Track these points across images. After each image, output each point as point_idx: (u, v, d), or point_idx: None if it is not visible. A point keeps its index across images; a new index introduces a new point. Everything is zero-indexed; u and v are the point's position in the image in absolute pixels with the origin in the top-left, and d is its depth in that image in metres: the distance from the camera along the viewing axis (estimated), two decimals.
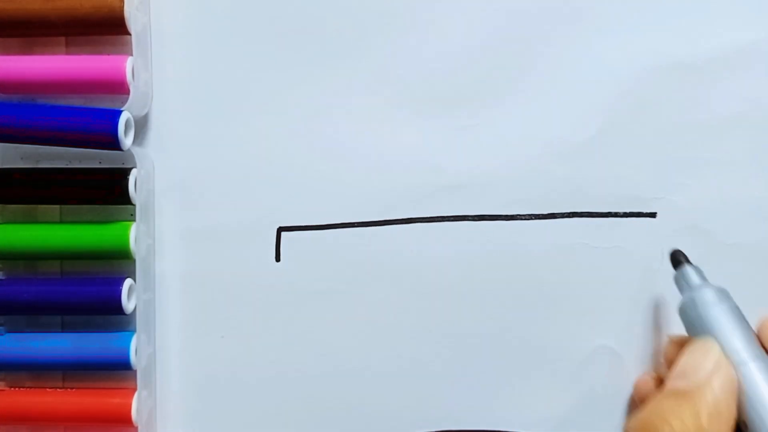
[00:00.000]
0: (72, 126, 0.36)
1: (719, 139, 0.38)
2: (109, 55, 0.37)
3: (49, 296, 0.37)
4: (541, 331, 0.39)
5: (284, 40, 0.38)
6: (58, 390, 0.38)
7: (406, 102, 0.38)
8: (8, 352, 0.38)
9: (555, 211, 0.38)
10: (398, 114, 0.38)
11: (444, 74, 0.38)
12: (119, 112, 0.36)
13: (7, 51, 0.38)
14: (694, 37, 0.38)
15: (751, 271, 0.38)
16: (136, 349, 0.38)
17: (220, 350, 0.39)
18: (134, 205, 0.37)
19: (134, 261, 0.37)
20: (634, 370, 0.39)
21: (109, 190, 0.37)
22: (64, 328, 0.39)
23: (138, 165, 0.37)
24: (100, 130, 0.36)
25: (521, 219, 0.38)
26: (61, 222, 0.38)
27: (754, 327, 0.34)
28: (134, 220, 0.37)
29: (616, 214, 0.38)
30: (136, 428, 0.38)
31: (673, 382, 0.32)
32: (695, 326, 0.34)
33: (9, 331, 0.38)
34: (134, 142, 0.37)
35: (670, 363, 0.35)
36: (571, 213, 0.38)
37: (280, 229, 0.39)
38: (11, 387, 0.39)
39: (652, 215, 0.38)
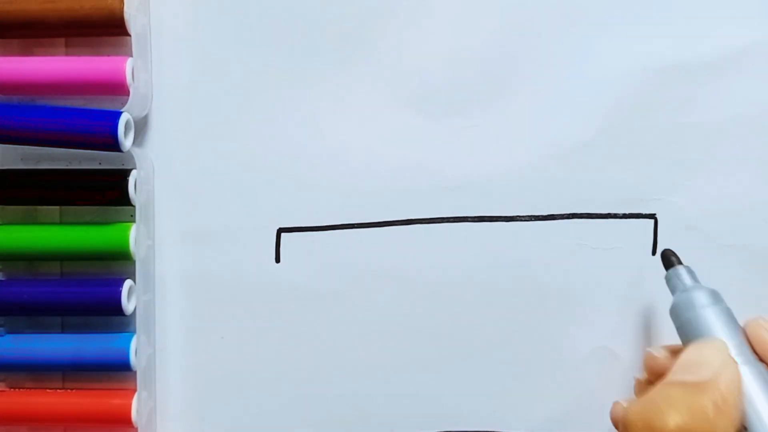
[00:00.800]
0: (72, 127, 0.36)
1: (718, 140, 0.38)
2: (108, 56, 0.37)
3: (49, 297, 0.37)
4: (541, 331, 0.39)
5: (284, 41, 0.38)
6: (58, 391, 0.39)
7: (406, 103, 0.38)
8: (8, 353, 0.38)
9: (554, 213, 0.38)
10: (398, 115, 0.38)
11: (444, 76, 0.38)
12: (119, 114, 0.36)
13: (7, 52, 0.38)
14: (694, 37, 0.38)
15: (749, 272, 0.38)
16: (136, 350, 0.38)
17: (220, 351, 0.39)
18: (134, 206, 0.37)
19: (134, 262, 0.37)
20: (632, 371, 0.39)
21: (109, 191, 0.37)
22: (64, 329, 0.39)
23: (138, 166, 0.37)
24: (100, 131, 0.36)
25: (521, 220, 0.38)
26: (61, 223, 0.38)
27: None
28: (134, 221, 0.37)
29: (615, 216, 0.38)
30: (136, 429, 0.38)
31: (679, 375, 0.32)
32: (687, 327, 0.34)
33: (9, 332, 0.38)
34: (134, 143, 0.37)
35: (652, 371, 0.35)
36: (570, 214, 0.38)
37: (280, 230, 0.39)
38: (11, 388, 0.39)
39: (651, 216, 0.38)
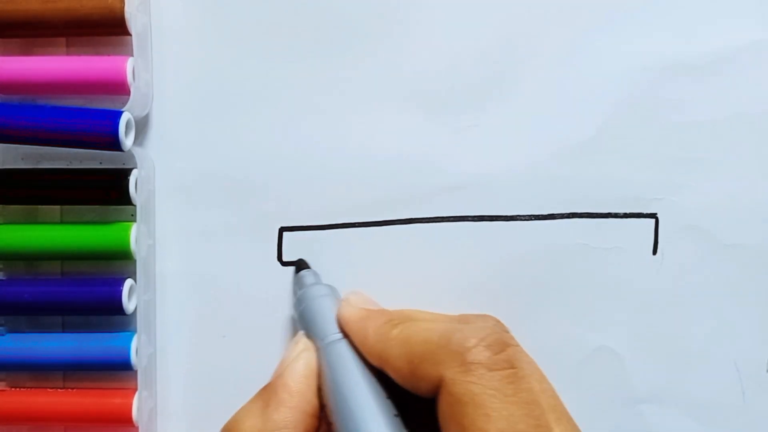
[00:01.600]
0: (72, 127, 0.36)
1: (719, 139, 0.38)
2: (109, 55, 0.37)
3: (49, 296, 0.37)
4: (541, 331, 0.39)
5: (285, 40, 0.38)
6: (58, 390, 0.38)
7: (406, 103, 0.38)
8: (9, 352, 0.38)
9: (555, 212, 0.38)
10: (399, 114, 0.38)
11: (444, 75, 0.38)
12: (120, 113, 0.36)
13: (8, 52, 0.38)
14: (694, 37, 0.38)
15: (750, 272, 0.38)
16: (137, 350, 0.38)
17: (221, 350, 0.39)
18: (135, 205, 0.37)
19: (135, 261, 0.37)
20: (633, 371, 0.39)
21: (110, 191, 0.37)
22: (65, 328, 0.39)
23: (138, 165, 0.37)
24: (101, 130, 0.36)
25: (521, 219, 0.38)
26: (62, 222, 0.38)
27: None
28: (135, 221, 0.37)
29: (616, 215, 0.38)
30: (137, 428, 0.38)
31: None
32: (302, 320, 0.36)
33: (9, 332, 0.38)
34: (135, 142, 0.37)
35: None
36: (570, 213, 0.38)
37: (282, 229, 0.39)
38: (12, 387, 0.39)
39: (652, 216, 0.38)
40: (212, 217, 0.39)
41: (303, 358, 0.33)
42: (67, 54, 0.38)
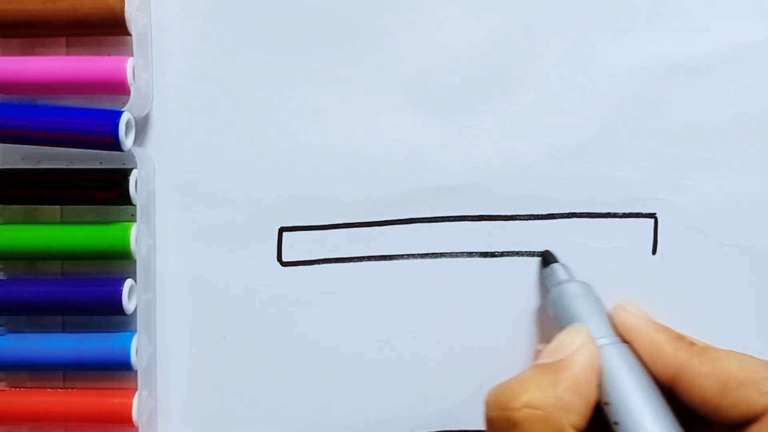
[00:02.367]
0: (73, 127, 0.36)
1: (719, 139, 0.38)
2: (109, 55, 0.37)
3: (49, 296, 0.37)
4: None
5: (285, 40, 0.38)
6: (58, 390, 0.38)
7: (407, 102, 0.38)
8: (9, 352, 0.38)
9: (554, 212, 0.38)
10: (399, 114, 0.38)
11: (444, 75, 0.38)
12: (120, 113, 0.36)
13: (8, 52, 0.38)
14: (694, 37, 0.38)
15: (749, 272, 0.38)
16: (137, 350, 0.38)
17: (222, 350, 0.39)
18: (135, 205, 0.37)
19: (135, 261, 0.37)
20: None
21: (110, 191, 0.37)
22: (65, 328, 0.39)
23: (139, 165, 0.37)
24: (101, 130, 0.36)
25: (521, 219, 0.38)
26: (62, 222, 0.38)
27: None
28: (135, 221, 0.37)
29: (615, 215, 0.38)
30: (137, 428, 0.38)
31: (540, 359, 0.33)
32: (560, 316, 0.36)
33: (10, 332, 0.38)
34: (135, 142, 0.37)
35: None
36: (570, 213, 0.38)
37: (282, 229, 0.39)
38: (12, 387, 0.39)
39: (652, 216, 0.38)
40: (212, 217, 0.39)
41: (587, 349, 0.33)
42: (67, 54, 0.38)
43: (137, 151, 0.37)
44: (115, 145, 0.36)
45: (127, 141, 0.36)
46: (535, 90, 0.38)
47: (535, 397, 0.31)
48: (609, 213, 0.38)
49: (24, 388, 0.39)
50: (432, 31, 0.38)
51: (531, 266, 0.39)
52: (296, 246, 0.39)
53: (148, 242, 0.38)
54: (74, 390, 0.38)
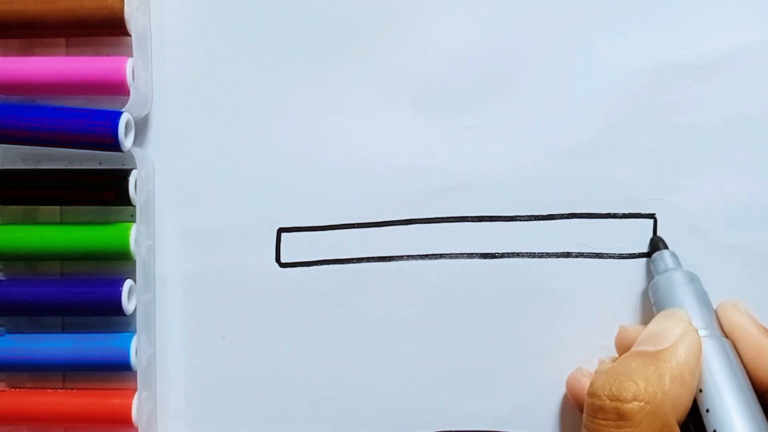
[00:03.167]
0: (72, 127, 0.36)
1: (719, 139, 0.38)
2: (109, 56, 0.37)
3: (49, 297, 0.37)
4: (541, 331, 0.39)
5: (284, 40, 0.38)
6: (58, 391, 0.38)
7: (406, 103, 0.38)
8: (8, 352, 0.38)
9: (554, 212, 0.38)
10: (398, 115, 0.38)
11: (444, 76, 0.38)
12: (119, 114, 0.36)
13: (8, 52, 0.38)
14: (694, 37, 0.38)
15: (750, 273, 0.38)
16: (137, 350, 0.38)
17: (221, 351, 0.39)
18: (134, 206, 0.37)
19: (134, 262, 0.37)
20: None
21: (110, 191, 0.37)
22: (65, 328, 0.39)
23: (138, 166, 0.37)
24: (101, 131, 0.36)
25: (521, 220, 0.38)
26: (62, 223, 0.38)
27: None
28: (134, 221, 0.37)
29: (615, 215, 0.38)
30: (137, 429, 0.38)
31: (641, 346, 0.33)
32: (663, 303, 0.35)
33: (9, 332, 0.38)
34: (134, 143, 0.37)
35: (621, 346, 0.36)
36: (570, 214, 0.38)
37: (281, 230, 0.39)
38: (12, 388, 0.39)
39: (651, 216, 0.38)
40: (212, 218, 0.39)
41: (690, 338, 0.33)
42: (67, 54, 0.38)
43: (137, 152, 0.37)
44: (114, 145, 0.36)
45: (127, 141, 0.36)
46: (535, 90, 0.38)
47: (645, 390, 0.31)
48: (609, 213, 0.38)
49: (24, 388, 0.39)
50: (432, 31, 0.38)
51: (531, 266, 0.39)
52: (295, 247, 0.39)
53: (147, 243, 0.38)
54: (74, 390, 0.38)
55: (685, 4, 0.38)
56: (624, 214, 0.38)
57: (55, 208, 0.38)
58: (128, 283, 0.37)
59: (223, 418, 0.39)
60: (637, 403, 0.31)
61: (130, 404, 0.38)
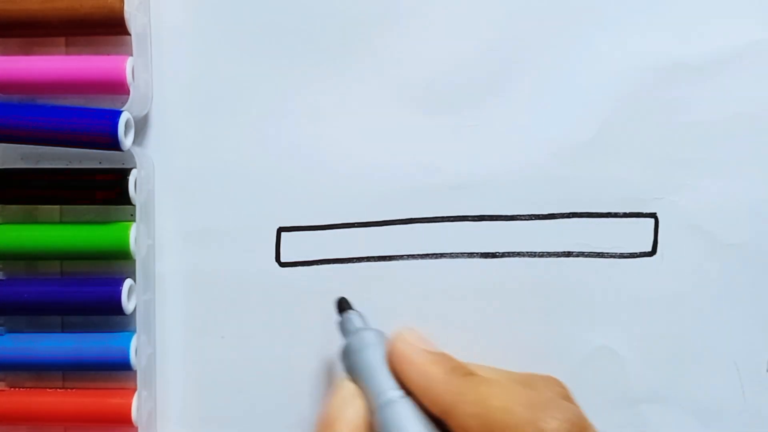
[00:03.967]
0: (72, 126, 0.36)
1: (719, 139, 0.38)
2: (109, 55, 0.37)
3: (49, 296, 0.37)
4: (541, 331, 0.39)
5: (284, 40, 0.38)
6: (58, 390, 0.38)
7: (406, 102, 0.38)
8: (8, 352, 0.38)
9: (555, 212, 0.38)
10: (398, 114, 0.38)
11: (444, 75, 0.38)
12: (119, 113, 0.36)
13: (7, 51, 0.38)
14: (694, 37, 0.38)
15: (750, 272, 0.38)
16: (136, 350, 0.38)
17: (221, 350, 0.39)
18: (134, 205, 0.37)
19: (134, 261, 0.37)
20: (633, 371, 0.39)
21: (109, 191, 0.37)
22: (64, 328, 0.39)
23: (138, 165, 0.37)
24: (100, 130, 0.36)
25: (521, 219, 0.38)
26: (61, 222, 0.38)
27: None
28: (134, 221, 0.37)
29: (615, 215, 0.38)
30: (136, 428, 0.38)
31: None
32: (351, 369, 0.34)
33: (9, 332, 0.38)
34: (134, 142, 0.37)
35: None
36: (570, 213, 0.38)
37: (280, 230, 0.39)
38: (11, 387, 0.39)
39: (652, 216, 0.38)
40: (212, 217, 0.39)
41: (352, 405, 0.32)
42: (67, 54, 0.38)
43: (136, 151, 0.37)
44: (114, 144, 0.36)
45: (127, 141, 0.36)
46: (535, 90, 0.38)
47: None
48: (609, 213, 0.38)
49: (23, 388, 0.39)
50: (431, 31, 0.38)
51: (531, 267, 0.39)
52: (295, 246, 0.39)
53: (147, 242, 0.38)
54: (74, 390, 0.38)
55: (685, 3, 0.38)
56: (625, 213, 0.38)
57: (54, 207, 0.38)
58: (128, 282, 0.37)
59: (222, 418, 0.39)
60: None
61: (130, 404, 0.38)
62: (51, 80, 0.36)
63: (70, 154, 0.38)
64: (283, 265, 0.39)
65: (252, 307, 0.39)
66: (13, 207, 0.38)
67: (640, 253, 0.38)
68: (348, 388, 0.33)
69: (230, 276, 0.39)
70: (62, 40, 0.38)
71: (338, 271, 0.39)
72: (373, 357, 0.33)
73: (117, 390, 0.38)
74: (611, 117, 0.38)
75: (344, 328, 0.36)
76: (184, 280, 0.39)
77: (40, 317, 0.39)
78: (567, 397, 0.34)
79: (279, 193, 0.39)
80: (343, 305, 0.37)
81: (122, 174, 0.37)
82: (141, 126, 0.38)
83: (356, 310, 0.36)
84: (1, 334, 0.38)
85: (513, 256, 0.39)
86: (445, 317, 0.39)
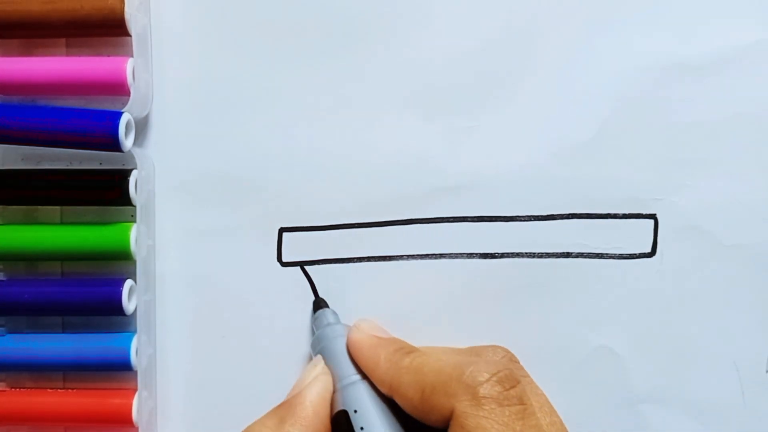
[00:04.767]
0: (72, 127, 0.36)
1: (719, 139, 0.38)
2: (109, 56, 0.37)
3: (49, 297, 0.37)
4: (540, 331, 0.39)
5: (284, 41, 0.38)
6: (58, 390, 0.39)
7: (406, 103, 0.38)
8: (9, 352, 0.38)
9: (554, 213, 0.38)
10: (399, 115, 0.38)
11: (444, 76, 0.38)
12: (120, 114, 0.36)
13: (8, 52, 0.38)
14: (694, 37, 0.38)
15: (750, 273, 0.38)
16: (137, 350, 0.38)
17: (221, 351, 0.39)
18: (135, 206, 0.37)
19: (135, 262, 0.37)
20: (633, 371, 0.39)
21: (110, 191, 0.37)
22: (65, 328, 0.39)
23: (138, 166, 0.37)
24: (101, 131, 0.36)
25: (521, 220, 0.38)
26: (62, 223, 0.38)
27: None
28: (135, 221, 0.37)
29: (615, 216, 0.38)
30: (137, 429, 0.38)
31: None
32: (324, 353, 0.36)
33: (10, 332, 0.38)
34: (135, 143, 0.37)
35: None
36: (570, 214, 0.38)
37: (282, 230, 0.39)
38: (12, 388, 0.39)
39: (652, 216, 0.38)
40: (212, 218, 0.39)
41: (320, 380, 0.34)
42: (67, 54, 0.38)
43: (137, 152, 0.37)
44: (114, 145, 0.36)
45: (127, 142, 0.36)
46: (535, 90, 0.38)
47: None
48: (609, 213, 0.38)
49: (24, 388, 0.39)
50: (431, 32, 0.38)
51: (531, 267, 0.39)
52: (296, 246, 0.39)
53: (147, 243, 0.38)
54: (74, 390, 0.38)
55: (685, 3, 0.38)
56: (624, 214, 0.38)
57: (55, 208, 0.39)
58: (128, 283, 0.37)
59: (222, 418, 0.39)
60: None
61: (130, 404, 0.38)
62: (51, 81, 0.36)
63: (71, 155, 0.38)
64: (284, 265, 0.39)
65: (253, 307, 0.39)
66: (14, 208, 0.38)
67: (640, 253, 0.38)
68: (320, 365, 0.35)
69: (231, 276, 0.39)
70: (63, 41, 0.38)
71: (338, 271, 0.39)
72: (337, 346, 0.36)
73: (117, 390, 0.38)
74: (611, 117, 0.38)
75: (317, 323, 0.38)
76: (184, 281, 0.39)
77: (40, 318, 0.39)
78: (511, 360, 0.35)
79: (280, 194, 0.39)
80: (319, 304, 0.38)
81: (123, 175, 0.37)
82: (141, 127, 0.38)
83: (331, 309, 0.38)
84: (2, 335, 0.38)
85: (512, 256, 0.39)
86: (444, 317, 0.39)
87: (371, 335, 0.35)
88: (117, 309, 0.37)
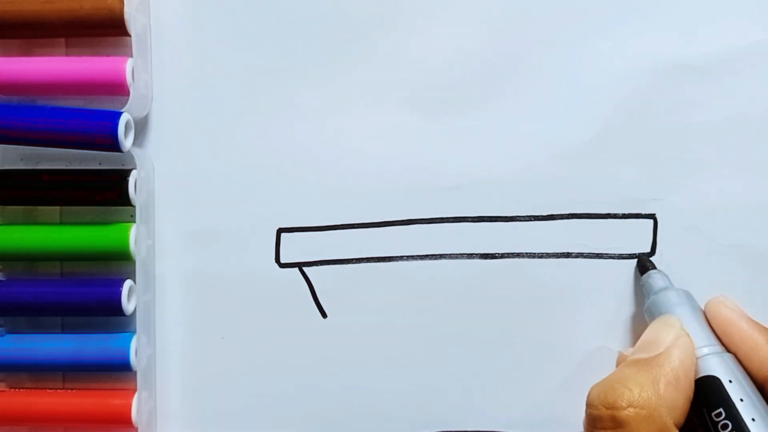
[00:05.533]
0: (72, 127, 0.36)
1: (719, 139, 0.38)
2: (108, 56, 0.37)
3: (49, 297, 0.37)
4: (540, 332, 0.39)
5: (284, 41, 0.38)
6: (58, 391, 0.39)
7: (405, 103, 0.38)
8: (8, 353, 0.38)
9: (554, 213, 0.38)
10: (398, 115, 0.38)
11: (443, 76, 0.38)
12: (119, 114, 0.36)
13: (7, 52, 0.38)
14: (694, 37, 0.38)
15: (750, 273, 0.38)
16: (136, 350, 0.38)
17: (220, 351, 0.39)
18: (134, 206, 0.37)
19: (134, 262, 0.37)
20: None
21: (109, 192, 0.37)
22: (64, 329, 0.39)
23: (138, 166, 0.37)
24: (100, 131, 0.36)
25: (520, 220, 0.38)
26: (61, 223, 0.38)
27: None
28: (134, 222, 0.37)
29: (615, 216, 0.38)
30: (136, 429, 0.38)
31: (635, 354, 0.34)
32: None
33: (9, 332, 0.38)
34: (134, 143, 0.37)
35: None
36: (570, 214, 0.38)
37: (280, 230, 0.39)
38: (11, 388, 0.39)
39: (651, 216, 0.38)
40: (211, 218, 0.39)
41: (683, 343, 0.33)
42: (67, 55, 0.38)
43: (136, 152, 0.37)
44: (114, 146, 0.36)
45: (127, 142, 0.36)
46: (535, 90, 0.38)
47: (639, 395, 0.31)
48: (609, 213, 0.38)
49: (23, 388, 0.39)
50: (431, 32, 0.38)
51: (531, 267, 0.39)
52: (294, 247, 0.39)
53: (147, 243, 0.38)
54: (74, 391, 0.38)
55: (686, 4, 0.38)
56: (624, 214, 0.38)
57: (54, 208, 0.39)
58: (128, 283, 0.37)
59: (222, 418, 0.39)
60: (632, 410, 0.31)
61: (130, 404, 0.38)
62: (51, 81, 0.36)
63: (70, 155, 0.38)
64: (283, 266, 0.39)
65: (252, 307, 0.39)
66: (13, 208, 0.38)
67: (640, 254, 0.38)
68: (678, 326, 0.34)
69: (230, 276, 0.39)
70: (62, 41, 0.38)
71: (338, 272, 0.39)
72: (686, 313, 0.35)
73: (117, 391, 0.38)
74: (611, 117, 0.38)
75: (648, 288, 0.37)
76: (184, 281, 0.39)
77: (40, 318, 0.39)
78: None
79: (279, 194, 0.39)
80: (645, 265, 0.38)
81: (122, 175, 0.37)
82: (141, 127, 0.38)
83: (659, 270, 0.37)
84: (2, 335, 0.38)
85: (512, 257, 0.39)
86: (444, 317, 0.39)
87: (744, 315, 0.35)
88: (116, 309, 0.37)
